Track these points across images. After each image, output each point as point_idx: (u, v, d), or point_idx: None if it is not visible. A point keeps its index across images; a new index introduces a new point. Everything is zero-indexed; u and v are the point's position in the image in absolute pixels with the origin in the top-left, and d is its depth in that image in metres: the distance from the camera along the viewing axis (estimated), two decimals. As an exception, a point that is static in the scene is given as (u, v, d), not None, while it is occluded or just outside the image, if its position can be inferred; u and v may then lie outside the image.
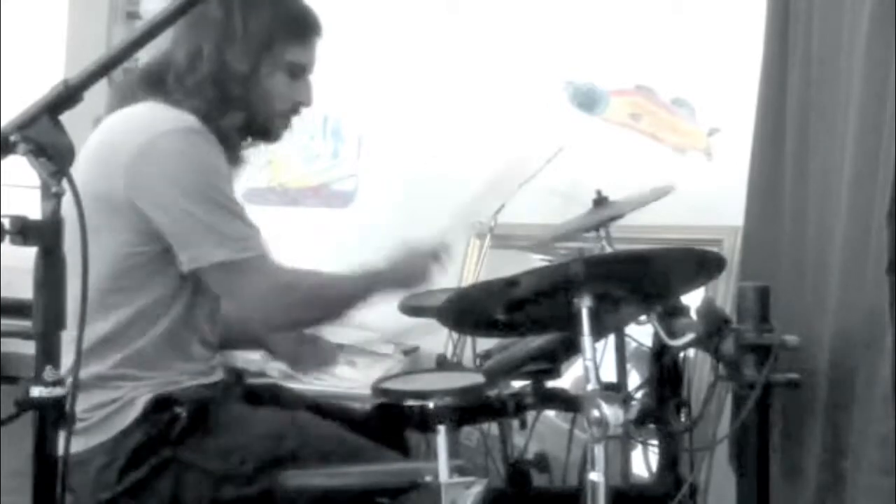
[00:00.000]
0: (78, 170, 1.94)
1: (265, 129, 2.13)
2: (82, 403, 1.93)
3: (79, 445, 1.91)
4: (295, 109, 2.15)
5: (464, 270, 3.03)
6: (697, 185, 2.89)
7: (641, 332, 2.09)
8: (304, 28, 2.11)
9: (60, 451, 1.34)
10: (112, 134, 2.01)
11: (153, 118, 1.98)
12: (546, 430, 2.38)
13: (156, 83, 2.04)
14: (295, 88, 2.12)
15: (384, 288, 2.12)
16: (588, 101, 3.16)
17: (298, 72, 2.11)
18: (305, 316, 2.07)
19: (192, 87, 2.01)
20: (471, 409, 1.97)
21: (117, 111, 2.05)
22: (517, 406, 2.04)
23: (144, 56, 3.05)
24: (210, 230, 1.92)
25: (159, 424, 1.94)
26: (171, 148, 1.93)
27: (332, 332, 2.76)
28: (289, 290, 2.00)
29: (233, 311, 2.12)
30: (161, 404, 1.95)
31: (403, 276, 2.15)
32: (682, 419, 2.09)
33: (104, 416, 1.96)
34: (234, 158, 2.12)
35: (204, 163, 1.95)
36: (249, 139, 2.17)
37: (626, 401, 1.60)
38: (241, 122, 2.08)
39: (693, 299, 1.99)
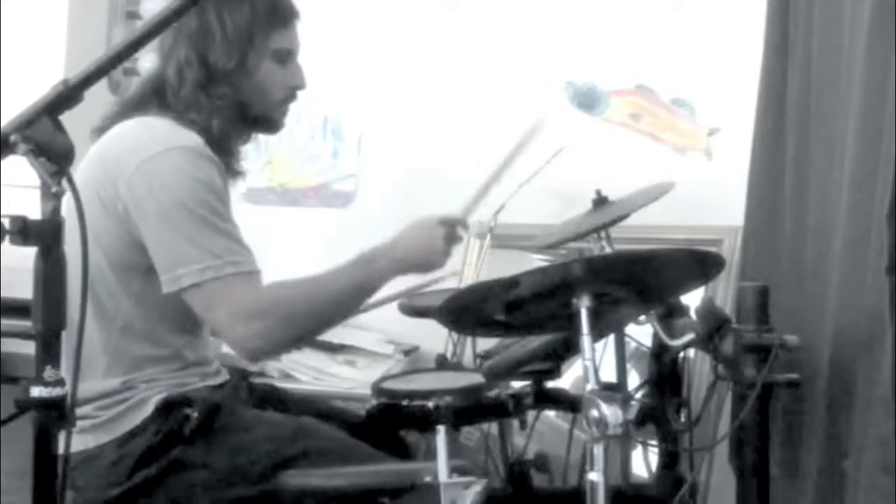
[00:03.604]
0: (81, 175, 1.98)
1: (266, 120, 2.15)
2: (93, 402, 1.96)
3: (87, 443, 1.94)
4: (291, 95, 2.16)
5: (464, 270, 3.03)
6: (697, 185, 2.89)
7: (641, 332, 2.09)
8: (281, 13, 2.12)
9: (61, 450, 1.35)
10: (117, 146, 2.02)
11: (157, 134, 1.99)
12: (546, 430, 2.38)
13: (160, 99, 2.06)
14: (286, 74, 2.13)
15: (386, 267, 2.06)
16: (588, 101, 3.16)
17: (285, 57, 2.12)
18: (290, 334, 2.01)
19: (188, 97, 2.03)
20: (471, 409, 1.97)
21: (124, 121, 2.06)
22: (517, 406, 2.04)
23: (145, 62, 3.08)
24: (189, 250, 1.90)
25: (170, 425, 1.95)
26: (169, 166, 1.94)
27: (332, 333, 2.77)
28: (266, 313, 1.95)
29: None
30: (172, 405, 1.96)
31: (407, 250, 2.08)
32: (682, 419, 2.09)
33: (115, 414, 1.97)
34: (234, 169, 2.14)
35: (199, 181, 1.94)
36: (252, 134, 2.18)
37: (626, 401, 1.60)
38: (241, 120, 2.10)
39: (693, 299, 1.99)
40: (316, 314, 2.03)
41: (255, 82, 2.08)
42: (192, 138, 1.99)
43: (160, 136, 1.98)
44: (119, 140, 2.02)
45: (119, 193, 1.94)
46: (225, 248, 1.93)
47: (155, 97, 2.07)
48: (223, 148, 2.06)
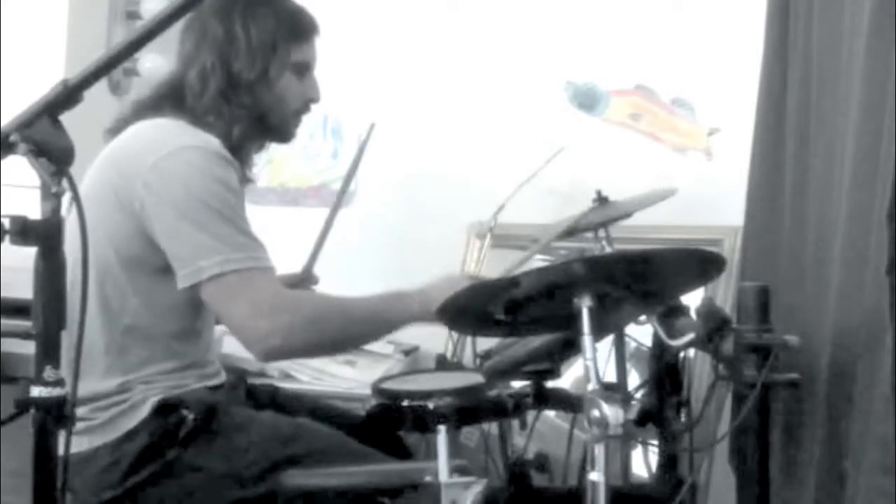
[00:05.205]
0: (93, 175, 1.98)
1: (281, 130, 2.18)
2: (89, 404, 1.95)
3: (83, 445, 1.93)
4: (306, 107, 2.19)
5: (464, 271, 3.03)
6: (697, 185, 2.89)
7: (641, 332, 2.09)
8: (303, 27, 2.15)
9: (61, 451, 1.34)
10: (133, 145, 2.02)
11: (173, 134, 2.00)
12: (546, 430, 2.38)
13: (177, 102, 2.06)
14: (304, 86, 2.16)
15: (413, 310, 2.05)
16: (588, 101, 3.16)
17: (304, 70, 2.16)
18: (309, 340, 1.98)
19: (209, 103, 2.05)
20: (471, 409, 1.97)
21: (138, 122, 2.06)
22: (517, 406, 2.04)
23: (145, 62, 3.08)
24: (211, 242, 1.90)
25: (166, 427, 1.95)
26: (187, 164, 1.94)
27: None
28: (292, 309, 1.94)
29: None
30: (168, 407, 1.96)
31: (435, 299, 1.99)
32: (682, 419, 2.09)
33: (110, 416, 1.96)
34: (246, 176, 2.14)
35: (217, 178, 1.94)
36: (266, 143, 2.21)
37: (626, 401, 1.60)
38: (258, 128, 2.12)
39: (693, 299, 1.99)
40: (338, 327, 2.02)
41: (275, 93, 2.11)
42: (209, 139, 2.00)
43: (177, 136, 1.99)
44: (134, 140, 2.03)
45: (135, 191, 1.93)
46: (245, 243, 1.93)
47: (170, 100, 2.07)
48: (239, 155, 2.06)
